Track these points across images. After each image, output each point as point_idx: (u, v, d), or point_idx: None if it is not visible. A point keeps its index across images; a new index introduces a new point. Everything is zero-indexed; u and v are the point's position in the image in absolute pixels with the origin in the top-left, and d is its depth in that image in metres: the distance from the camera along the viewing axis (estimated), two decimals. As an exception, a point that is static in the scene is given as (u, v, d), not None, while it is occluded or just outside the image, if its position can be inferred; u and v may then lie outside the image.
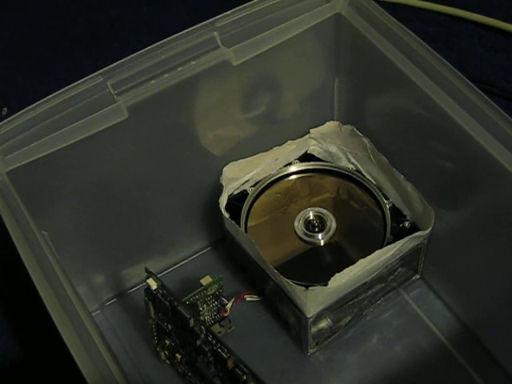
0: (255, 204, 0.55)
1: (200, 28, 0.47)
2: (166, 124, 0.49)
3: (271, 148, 0.55)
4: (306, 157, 0.57)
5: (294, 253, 0.53)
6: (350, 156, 0.56)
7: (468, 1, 0.73)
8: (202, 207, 0.55)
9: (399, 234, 0.51)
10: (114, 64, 0.46)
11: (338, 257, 0.52)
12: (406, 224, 0.52)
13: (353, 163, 0.56)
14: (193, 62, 0.47)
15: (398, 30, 0.47)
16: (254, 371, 0.42)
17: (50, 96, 0.44)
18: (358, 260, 0.48)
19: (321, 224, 0.54)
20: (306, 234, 0.53)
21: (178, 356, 0.49)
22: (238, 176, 0.54)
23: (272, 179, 0.56)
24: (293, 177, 0.56)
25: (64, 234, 0.48)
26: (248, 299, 0.54)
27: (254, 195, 0.55)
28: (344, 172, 0.56)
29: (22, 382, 0.53)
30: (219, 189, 0.53)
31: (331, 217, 0.54)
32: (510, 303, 0.47)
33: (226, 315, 0.53)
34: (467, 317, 0.53)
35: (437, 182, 0.49)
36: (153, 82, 0.46)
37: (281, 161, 0.56)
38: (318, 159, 0.57)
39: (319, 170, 0.56)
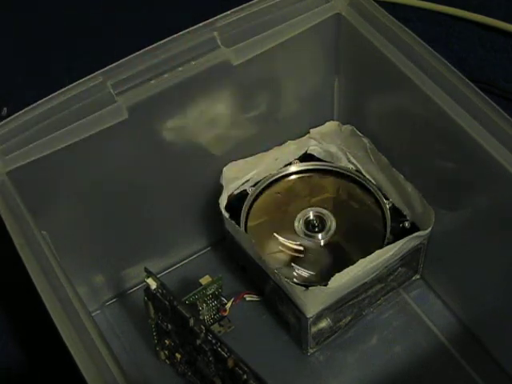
0: (255, 204, 0.55)
1: (200, 28, 0.48)
2: (166, 124, 0.49)
3: (271, 148, 0.56)
4: (306, 157, 0.57)
5: (294, 253, 0.53)
6: (350, 156, 0.56)
7: (468, 1, 0.73)
8: (201, 207, 0.55)
9: (399, 234, 0.51)
10: (114, 64, 0.46)
11: (338, 257, 0.52)
12: (406, 224, 0.52)
13: (353, 163, 0.56)
14: (193, 62, 0.47)
15: (397, 30, 0.47)
16: (254, 370, 0.42)
17: (50, 96, 0.44)
18: (358, 260, 0.48)
19: (321, 224, 0.54)
20: (305, 234, 0.53)
21: (178, 355, 0.49)
22: (238, 176, 0.54)
23: (272, 179, 0.56)
24: (293, 177, 0.56)
25: (64, 234, 0.48)
26: (248, 299, 0.54)
27: (254, 195, 0.55)
28: (344, 172, 0.56)
29: (22, 382, 0.53)
30: (219, 189, 0.53)
31: (331, 217, 0.54)
32: (510, 303, 0.47)
33: (225, 315, 0.53)
34: (467, 317, 0.53)
35: (437, 182, 0.49)
36: (153, 82, 0.46)
37: (281, 161, 0.56)
38: (318, 159, 0.57)
39: (319, 170, 0.56)
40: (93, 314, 0.54)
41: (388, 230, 0.52)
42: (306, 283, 0.48)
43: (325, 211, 0.54)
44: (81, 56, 0.72)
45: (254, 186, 0.55)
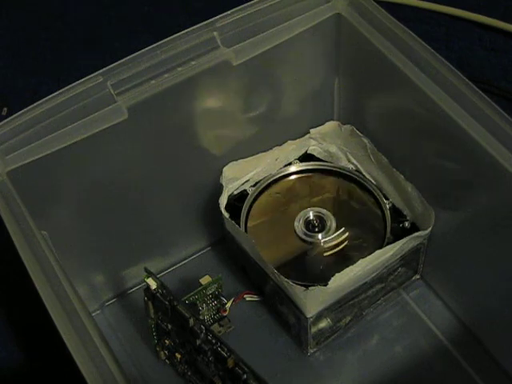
0: (255, 204, 0.55)
1: (200, 28, 0.47)
2: (166, 124, 0.49)
3: (271, 148, 0.56)
4: (306, 157, 0.57)
5: (294, 253, 0.53)
6: (350, 156, 0.56)
7: (468, 1, 0.73)
8: (202, 207, 0.55)
9: (399, 234, 0.51)
10: (114, 64, 0.46)
11: (338, 257, 0.52)
12: (406, 224, 0.52)
13: (353, 163, 0.56)
14: (193, 62, 0.47)
15: (397, 30, 0.47)
16: (254, 370, 0.42)
17: (50, 96, 0.44)
18: (358, 260, 0.48)
19: (321, 224, 0.54)
20: (305, 234, 0.53)
21: (178, 355, 0.49)
22: (238, 176, 0.54)
23: (272, 179, 0.56)
24: (293, 177, 0.56)
25: (64, 234, 0.48)
26: (248, 299, 0.54)
27: (254, 195, 0.55)
28: (344, 172, 0.56)
29: (22, 382, 0.53)
30: (219, 189, 0.53)
31: (331, 217, 0.54)
32: (510, 303, 0.47)
33: (225, 314, 0.53)
34: (467, 317, 0.53)
35: (437, 182, 0.49)
36: (153, 82, 0.46)
37: (281, 161, 0.56)
38: (318, 159, 0.57)
39: (319, 170, 0.56)
40: (93, 314, 0.54)
41: (388, 229, 0.52)
42: (306, 283, 0.48)
43: (325, 211, 0.54)
44: (81, 56, 0.72)
45: (254, 186, 0.55)
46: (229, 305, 0.52)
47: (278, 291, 0.50)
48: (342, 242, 0.52)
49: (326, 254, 0.52)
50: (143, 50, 0.46)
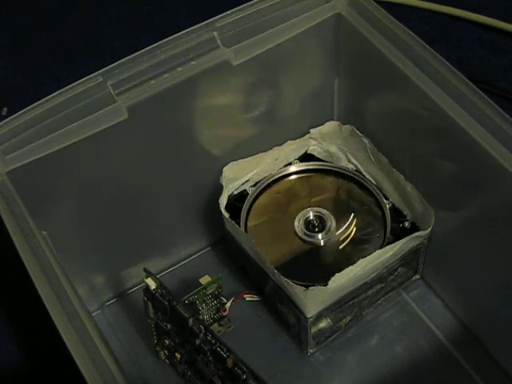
0: (255, 204, 0.55)
1: (200, 28, 0.48)
2: (166, 124, 0.49)
3: (271, 148, 0.56)
4: (306, 157, 0.57)
5: (294, 253, 0.53)
6: (350, 156, 0.56)
7: (468, 1, 0.73)
8: (202, 207, 0.55)
9: (399, 234, 0.51)
10: (114, 64, 0.46)
11: (338, 257, 0.52)
12: (406, 224, 0.52)
13: (353, 163, 0.56)
14: (193, 62, 0.47)
15: (397, 30, 0.47)
16: (253, 370, 0.42)
17: (50, 96, 0.45)
18: (358, 260, 0.48)
19: (321, 224, 0.54)
20: (305, 234, 0.53)
21: (178, 355, 0.49)
22: (238, 176, 0.54)
23: (272, 179, 0.56)
24: (293, 177, 0.56)
25: (64, 234, 0.48)
26: (248, 299, 0.54)
27: (254, 195, 0.55)
28: (344, 172, 0.56)
29: (22, 382, 0.53)
30: (219, 189, 0.53)
31: (331, 217, 0.54)
32: (510, 303, 0.47)
33: (225, 314, 0.53)
34: (467, 317, 0.53)
35: (437, 182, 0.49)
36: (153, 82, 0.46)
37: (281, 161, 0.56)
38: (318, 159, 0.57)
39: (319, 170, 0.56)
40: (93, 314, 0.54)
41: (388, 229, 0.52)
42: (306, 283, 0.48)
43: (325, 211, 0.54)
44: (81, 56, 0.72)
45: (254, 186, 0.55)
46: (228, 304, 0.52)
47: (278, 291, 0.50)
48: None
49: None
50: (143, 50, 0.46)
